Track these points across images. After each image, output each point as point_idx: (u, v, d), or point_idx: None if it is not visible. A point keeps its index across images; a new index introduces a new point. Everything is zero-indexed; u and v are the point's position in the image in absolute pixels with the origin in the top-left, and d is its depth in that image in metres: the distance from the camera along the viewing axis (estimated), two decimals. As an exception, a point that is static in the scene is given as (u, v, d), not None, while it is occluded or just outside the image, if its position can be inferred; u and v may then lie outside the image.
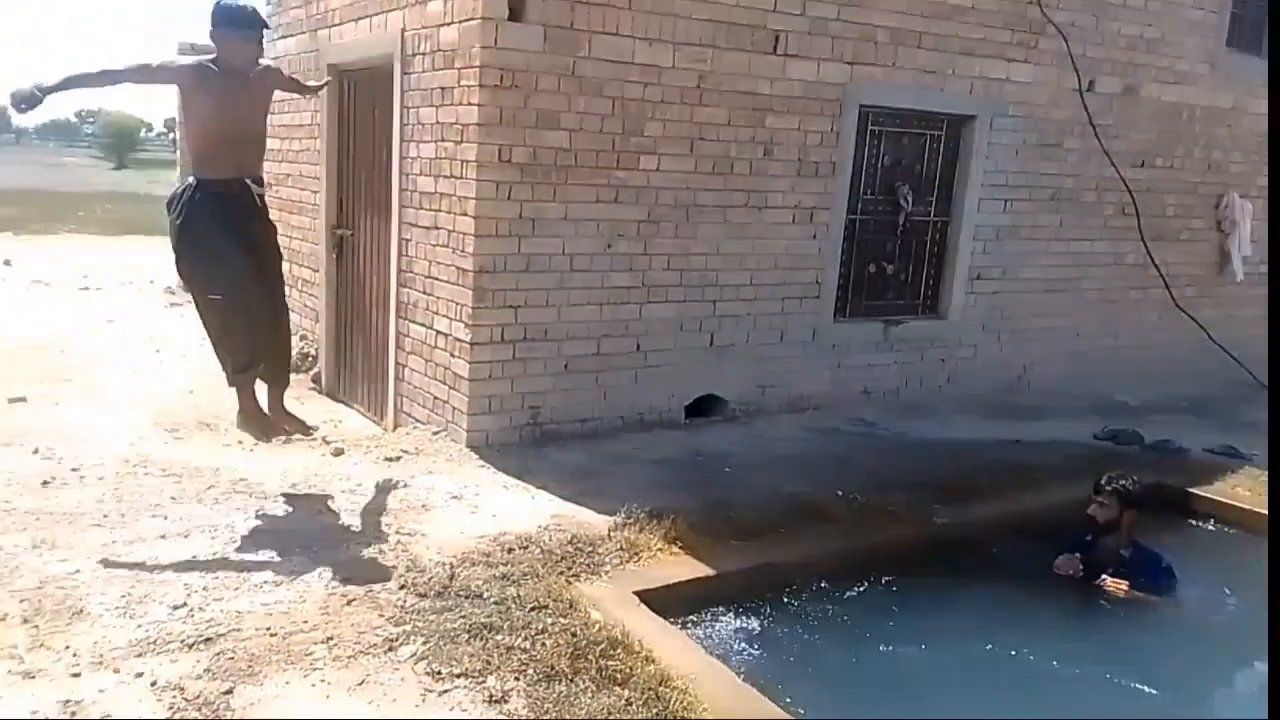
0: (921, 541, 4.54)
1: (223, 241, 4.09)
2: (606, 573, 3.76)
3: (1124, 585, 4.22)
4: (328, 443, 5.22)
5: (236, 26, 4.08)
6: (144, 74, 4.22)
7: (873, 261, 6.66)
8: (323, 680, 2.89)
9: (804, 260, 6.18)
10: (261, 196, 4.31)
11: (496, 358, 5.21)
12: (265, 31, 4.24)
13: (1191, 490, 5.38)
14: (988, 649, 3.79)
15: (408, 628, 3.18)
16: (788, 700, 3.11)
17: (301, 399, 6.35)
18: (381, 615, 3.26)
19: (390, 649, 3.06)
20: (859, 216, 6.46)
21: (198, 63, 4.12)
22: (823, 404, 6.43)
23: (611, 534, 4.07)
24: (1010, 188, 6.87)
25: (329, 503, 4.29)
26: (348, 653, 3.03)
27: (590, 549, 3.92)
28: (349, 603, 3.35)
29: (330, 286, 6.67)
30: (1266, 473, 5.66)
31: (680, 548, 4.02)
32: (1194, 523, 5.23)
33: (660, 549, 3.98)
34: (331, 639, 3.09)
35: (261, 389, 4.54)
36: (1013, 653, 3.77)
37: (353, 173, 6.43)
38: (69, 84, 4.09)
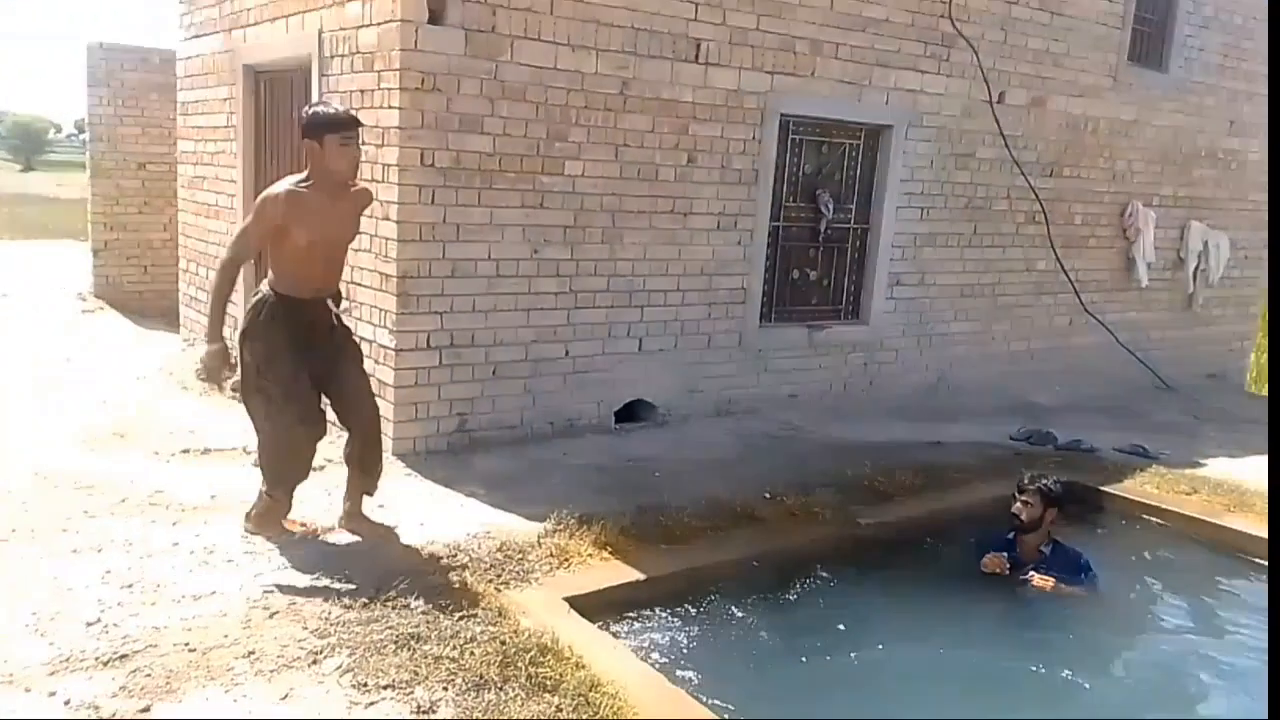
0: (848, 541, 4.63)
1: (292, 370, 3.81)
2: (536, 580, 3.75)
3: (1050, 581, 4.36)
4: (248, 453, 5.08)
5: (334, 129, 3.73)
6: (253, 237, 3.80)
7: (796, 267, 6.78)
8: (244, 695, 2.82)
9: (729, 266, 6.26)
10: (339, 315, 3.99)
11: (423, 364, 5.16)
12: (361, 131, 3.89)
13: (1103, 489, 5.59)
14: (920, 647, 3.88)
15: (332, 640, 3.12)
16: (718, 703, 3.14)
17: (220, 408, 6.19)
18: (305, 628, 3.20)
19: (314, 662, 3.00)
20: (782, 223, 6.57)
21: (288, 191, 3.74)
22: (750, 408, 6.51)
23: (541, 541, 4.06)
24: (927, 196, 7.07)
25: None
26: (270, 667, 2.96)
27: (520, 556, 3.91)
28: (271, 616, 3.27)
29: (249, 292, 6.50)
30: (1191, 475, 5.92)
31: (611, 553, 4.03)
32: (1106, 519, 5.42)
33: (590, 555, 3.99)
34: (254, 653, 3.02)
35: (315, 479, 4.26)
36: (941, 651, 3.86)
37: (271, 176, 6.28)
38: (217, 305, 3.80)
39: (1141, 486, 5.62)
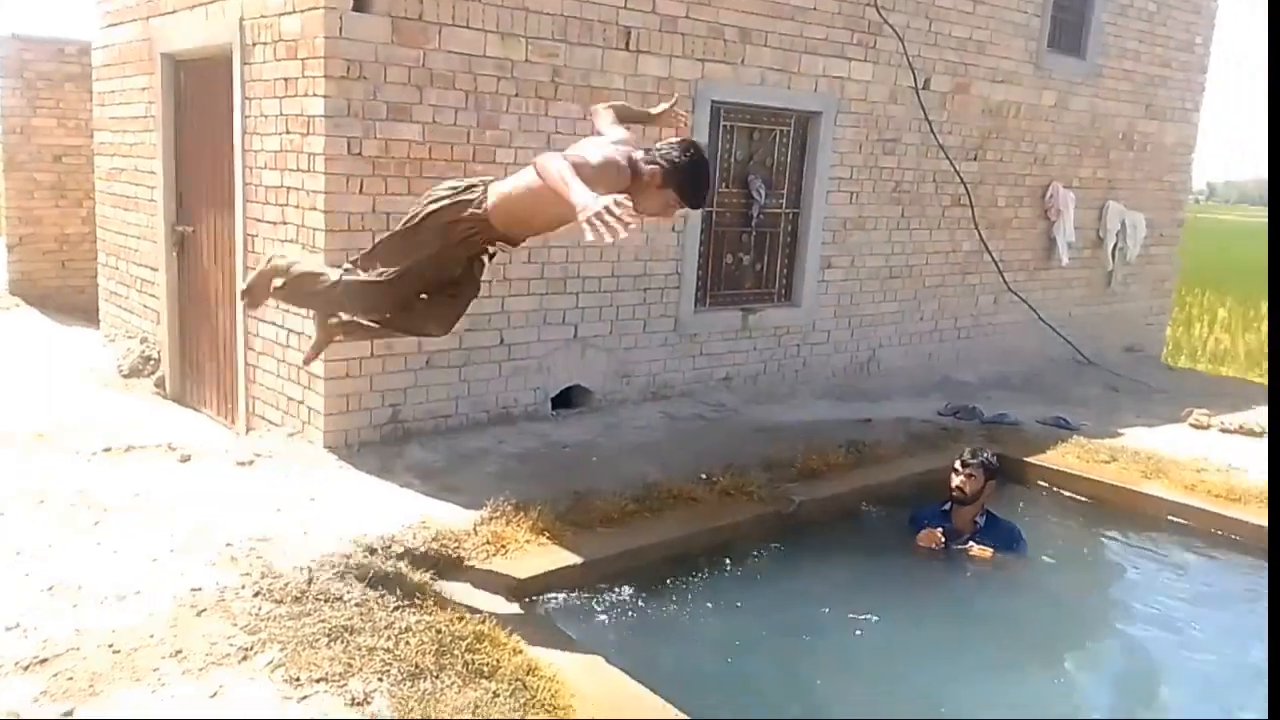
0: (782, 520, 4.72)
1: (430, 272, 3.41)
2: (473, 567, 3.75)
3: (989, 551, 4.51)
4: (173, 449, 4.98)
5: (682, 193, 3.24)
6: (589, 173, 3.02)
7: (730, 252, 6.84)
8: (171, 696, 2.77)
9: (664, 252, 6.29)
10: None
11: (354, 354, 5.09)
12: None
13: (1027, 460, 5.77)
14: (859, 622, 3.96)
15: (263, 635, 3.08)
16: (658, 683, 3.17)
17: (142, 404, 6.05)
18: (235, 624, 3.15)
19: (245, 658, 2.96)
20: (715, 209, 6.62)
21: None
22: (686, 391, 6.57)
23: (477, 529, 4.06)
24: (855, 180, 7.18)
25: (176, 512, 4.10)
26: (198, 665, 2.91)
27: (455, 545, 3.90)
28: (199, 614, 3.22)
29: (171, 286, 6.36)
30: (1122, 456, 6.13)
31: (548, 538, 4.04)
32: (1031, 489, 5.60)
33: (527, 541, 4.00)
34: (180, 652, 2.97)
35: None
36: (874, 618, 3.95)
37: (192, 167, 6.14)
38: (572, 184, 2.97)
39: (1063, 457, 5.82)
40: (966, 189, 7.77)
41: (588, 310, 6.01)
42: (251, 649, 3.00)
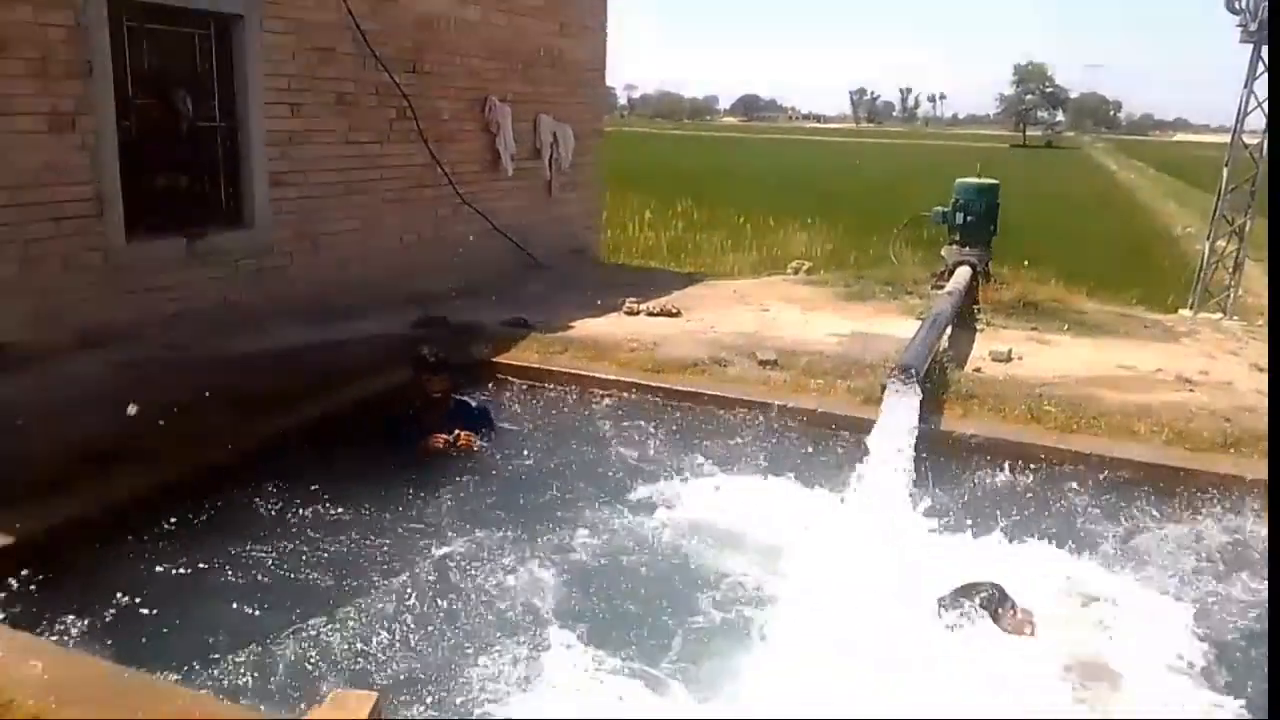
0: (249, 456, 4.47)
1: None
2: None
3: (473, 436, 4.81)
4: None
5: None
6: None
7: (161, 173, 6.15)
8: None
9: (73, 174, 5.46)
10: None
11: None
12: None
13: (496, 360, 6.18)
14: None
15: None
16: (128, 659, 2.88)
17: None
18: None
19: None
20: (135, 125, 5.87)
21: None
22: (129, 333, 5.86)
23: None
24: (295, 91, 6.85)
25: None
26: None
27: None
28: None
29: None
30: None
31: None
32: (501, 385, 6.02)
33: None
34: None
35: None
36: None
37: None
38: None
39: (523, 354, 6.33)
40: (409, 101, 7.83)
41: (-21, 248, 5.02)
42: None
